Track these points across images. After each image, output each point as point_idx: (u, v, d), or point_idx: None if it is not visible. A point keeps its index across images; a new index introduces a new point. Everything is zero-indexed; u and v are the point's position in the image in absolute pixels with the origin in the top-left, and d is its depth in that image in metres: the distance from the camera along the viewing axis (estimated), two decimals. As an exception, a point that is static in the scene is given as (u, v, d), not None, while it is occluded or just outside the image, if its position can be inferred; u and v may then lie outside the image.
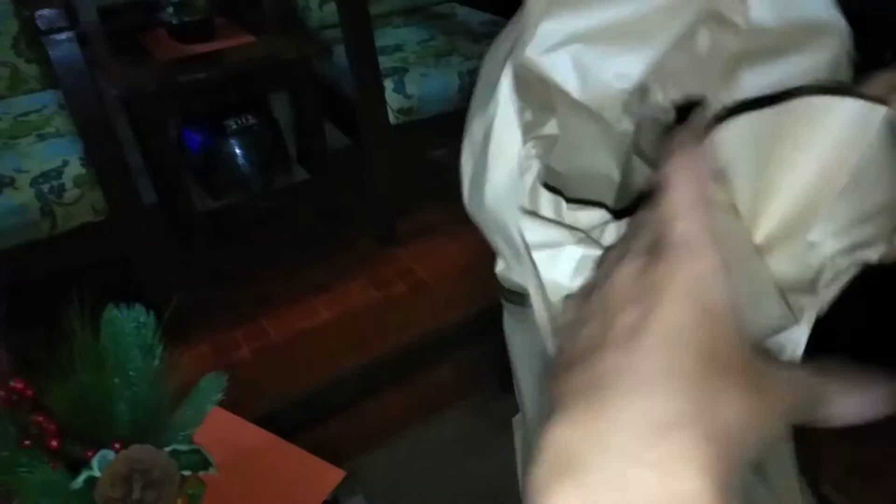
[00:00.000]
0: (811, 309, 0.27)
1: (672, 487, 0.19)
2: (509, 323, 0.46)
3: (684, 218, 0.24)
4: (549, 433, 0.22)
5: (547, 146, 0.32)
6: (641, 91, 0.31)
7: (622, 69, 0.30)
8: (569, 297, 0.29)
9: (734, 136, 0.26)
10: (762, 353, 0.23)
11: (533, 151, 0.32)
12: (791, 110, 0.25)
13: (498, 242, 0.35)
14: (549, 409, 0.23)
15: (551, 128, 0.33)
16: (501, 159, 0.32)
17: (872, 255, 0.27)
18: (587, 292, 0.27)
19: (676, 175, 0.25)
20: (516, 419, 0.59)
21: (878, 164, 0.25)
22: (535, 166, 0.31)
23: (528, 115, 0.33)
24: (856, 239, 0.26)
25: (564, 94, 0.31)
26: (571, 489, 0.20)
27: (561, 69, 0.30)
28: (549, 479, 0.21)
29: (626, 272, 0.24)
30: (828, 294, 0.27)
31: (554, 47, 0.30)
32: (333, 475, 0.81)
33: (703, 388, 0.21)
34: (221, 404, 0.86)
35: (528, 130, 0.32)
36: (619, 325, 0.23)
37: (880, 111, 0.24)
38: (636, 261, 0.25)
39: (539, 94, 0.31)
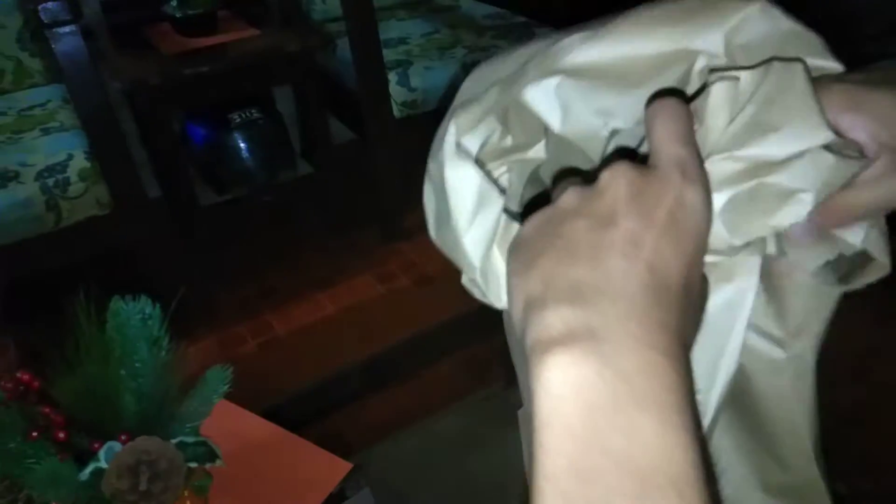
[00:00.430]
0: None
1: (666, 362, 0.24)
2: (507, 318, 0.46)
3: (674, 144, 0.28)
4: (560, 308, 0.25)
5: (527, 169, 0.34)
6: (615, 132, 0.31)
7: (603, 106, 0.30)
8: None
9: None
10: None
11: (504, 177, 0.34)
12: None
13: (464, 267, 0.36)
14: (547, 289, 0.26)
15: (537, 152, 0.33)
16: (459, 200, 0.34)
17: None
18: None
19: (660, 116, 0.29)
20: (521, 412, 0.59)
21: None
22: (495, 201, 0.32)
23: (509, 141, 0.34)
24: None
25: (547, 126, 0.31)
26: (590, 351, 0.24)
27: (543, 102, 0.31)
28: (565, 342, 0.24)
29: (627, 178, 0.27)
30: None
31: (539, 78, 0.31)
32: (340, 467, 0.81)
33: (684, 300, 0.26)
34: (227, 397, 0.86)
35: (508, 153, 0.34)
36: (623, 233, 0.26)
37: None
38: (637, 175, 0.27)
39: (526, 120, 0.32)
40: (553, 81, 0.30)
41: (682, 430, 0.23)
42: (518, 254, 0.29)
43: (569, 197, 0.29)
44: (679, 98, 0.29)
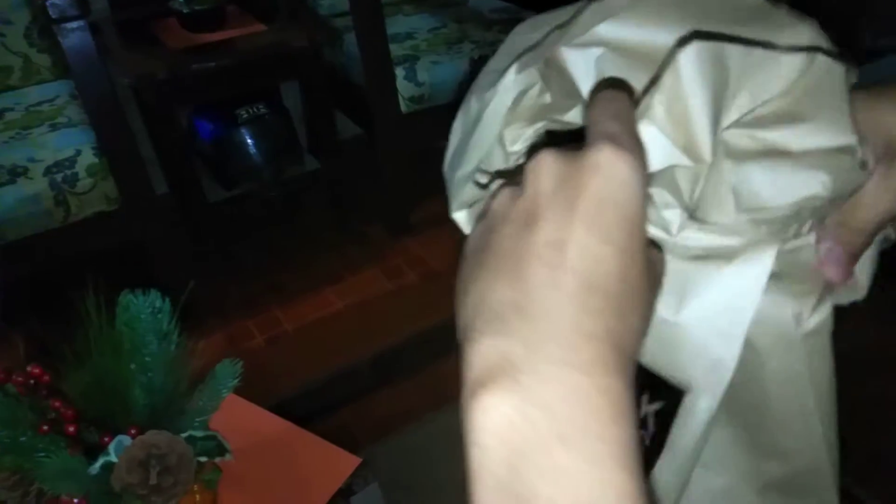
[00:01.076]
0: None
1: (595, 383, 0.22)
2: None
3: (607, 120, 0.26)
4: (483, 340, 0.23)
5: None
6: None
7: (640, 84, 0.30)
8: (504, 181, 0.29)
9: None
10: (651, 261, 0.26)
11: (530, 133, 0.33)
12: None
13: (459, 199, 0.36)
14: (476, 317, 0.24)
15: (573, 116, 0.33)
16: (480, 147, 0.33)
17: None
18: (516, 184, 0.27)
19: (596, 100, 0.27)
20: None
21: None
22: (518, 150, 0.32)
23: (548, 98, 0.33)
24: None
25: (578, 92, 0.31)
26: (510, 388, 0.22)
27: (581, 68, 0.30)
28: (485, 382, 0.22)
29: (550, 170, 0.25)
30: None
31: (583, 45, 0.30)
32: (349, 462, 0.81)
33: (619, 301, 0.23)
34: (236, 391, 0.86)
35: (546, 112, 0.33)
36: (542, 233, 0.24)
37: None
38: (560, 161, 0.25)
39: (566, 83, 0.31)
40: (596, 52, 0.30)
41: (611, 461, 0.21)
42: (459, 276, 0.27)
43: (500, 200, 0.27)
44: (619, 86, 0.28)
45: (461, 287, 0.26)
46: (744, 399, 0.32)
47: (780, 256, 0.30)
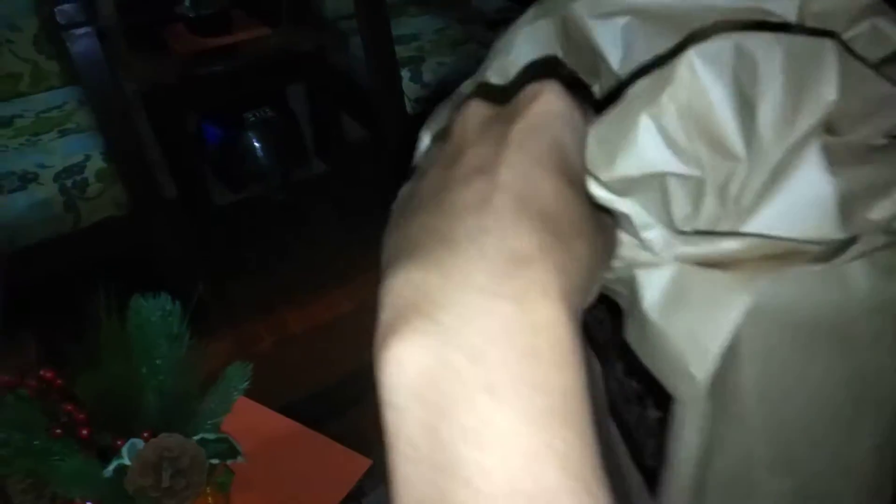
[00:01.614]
0: None
1: (530, 317, 0.18)
2: None
3: (540, 83, 0.23)
4: (397, 274, 0.20)
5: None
6: None
7: (664, 54, 0.28)
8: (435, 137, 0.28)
9: None
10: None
11: None
12: None
13: None
14: (395, 253, 0.21)
15: (594, 93, 0.32)
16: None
17: None
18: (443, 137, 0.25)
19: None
20: None
21: None
22: None
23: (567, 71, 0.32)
24: None
25: (606, 64, 0.30)
26: (424, 329, 0.18)
27: (608, 38, 0.29)
28: (396, 322, 0.19)
29: (477, 112, 0.23)
30: None
31: (608, 15, 0.29)
32: (360, 463, 0.81)
33: (557, 222, 0.20)
34: (246, 394, 0.86)
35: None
36: (469, 161, 0.21)
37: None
38: (489, 103, 0.24)
39: (586, 58, 0.31)
40: (622, 21, 0.29)
41: (551, 417, 0.17)
42: (385, 233, 0.25)
43: (426, 154, 0.25)
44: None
45: (384, 238, 0.24)
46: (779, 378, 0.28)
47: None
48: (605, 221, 0.24)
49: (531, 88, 0.23)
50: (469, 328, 0.18)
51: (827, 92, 0.25)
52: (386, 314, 0.19)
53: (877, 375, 0.29)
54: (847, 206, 0.25)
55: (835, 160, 0.25)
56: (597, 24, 0.30)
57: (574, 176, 0.22)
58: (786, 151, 0.26)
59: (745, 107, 0.25)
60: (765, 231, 0.26)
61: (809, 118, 0.25)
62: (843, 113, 0.25)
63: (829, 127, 0.26)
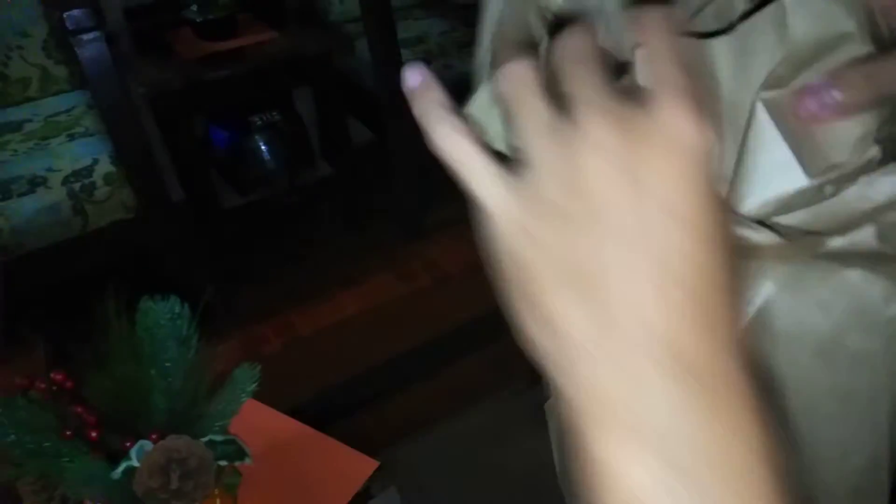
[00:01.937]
0: None
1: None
2: None
3: (672, 68, 0.21)
4: (579, 370, 0.20)
5: None
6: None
7: None
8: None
9: None
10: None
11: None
12: None
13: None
14: (558, 341, 0.21)
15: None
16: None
17: None
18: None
19: (656, 34, 0.22)
20: (548, 405, 0.59)
21: None
22: None
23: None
24: None
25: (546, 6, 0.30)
26: (637, 441, 0.19)
27: None
28: (603, 420, 0.20)
29: (608, 147, 0.20)
30: None
31: None
32: (366, 465, 0.81)
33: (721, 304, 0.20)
34: (254, 396, 0.87)
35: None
36: (615, 229, 0.20)
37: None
38: (617, 129, 0.20)
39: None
40: None
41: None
42: (509, 270, 0.23)
43: (541, 171, 0.21)
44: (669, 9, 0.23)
45: (520, 292, 0.22)
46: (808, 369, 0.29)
47: (883, 233, 0.27)
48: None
49: (667, 117, 0.20)
50: (681, 450, 0.19)
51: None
52: (581, 400, 0.20)
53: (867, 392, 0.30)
54: (805, 154, 0.26)
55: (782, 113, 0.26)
56: None
57: (720, 230, 0.21)
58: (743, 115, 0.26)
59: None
60: (759, 210, 0.26)
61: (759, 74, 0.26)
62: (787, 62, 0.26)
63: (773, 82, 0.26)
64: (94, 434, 0.62)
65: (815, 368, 0.29)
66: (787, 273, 0.27)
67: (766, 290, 0.27)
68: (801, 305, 0.28)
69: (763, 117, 0.26)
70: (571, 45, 0.23)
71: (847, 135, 0.26)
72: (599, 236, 0.20)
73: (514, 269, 0.23)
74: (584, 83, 0.22)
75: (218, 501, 0.68)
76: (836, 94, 0.25)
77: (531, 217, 0.22)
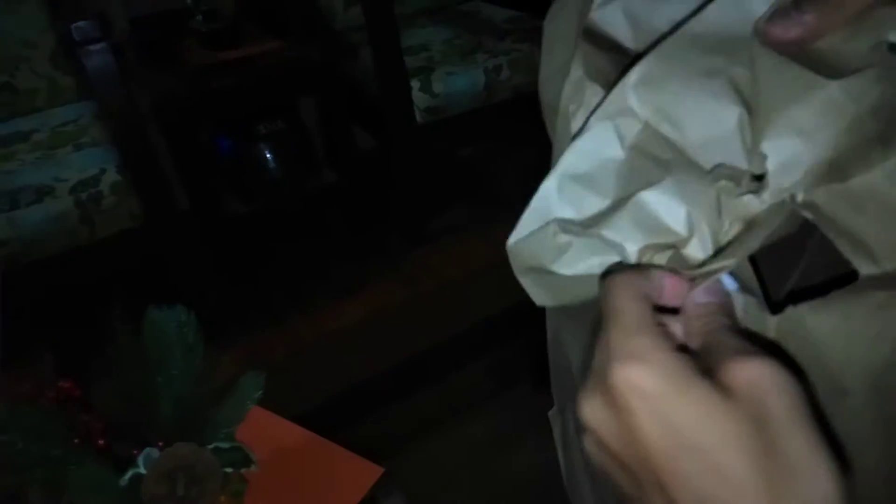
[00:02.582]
0: None
1: None
2: (549, 318, 0.45)
3: (737, 341, 0.23)
4: None
5: None
6: None
7: (673, 15, 0.29)
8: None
9: None
10: None
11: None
12: None
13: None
14: None
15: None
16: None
17: None
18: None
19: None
20: (552, 413, 0.59)
21: None
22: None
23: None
24: None
25: (622, 46, 0.30)
26: None
27: (613, 20, 0.30)
28: None
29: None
30: None
31: (606, 1, 0.30)
32: (371, 472, 0.82)
33: None
34: (260, 403, 0.87)
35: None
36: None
37: None
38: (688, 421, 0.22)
39: (610, 54, 0.31)
40: (619, 2, 0.30)
41: None
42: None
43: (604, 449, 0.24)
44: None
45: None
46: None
47: None
48: None
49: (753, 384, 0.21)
50: None
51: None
52: None
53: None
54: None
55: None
56: (599, 15, 0.30)
57: None
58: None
59: None
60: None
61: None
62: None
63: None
64: (101, 441, 0.63)
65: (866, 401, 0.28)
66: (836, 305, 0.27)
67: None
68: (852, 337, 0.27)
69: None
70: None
71: None
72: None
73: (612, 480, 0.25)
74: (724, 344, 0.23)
75: (224, 508, 0.69)
76: (806, 17, 0.25)
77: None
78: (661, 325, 0.24)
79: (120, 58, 1.44)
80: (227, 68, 1.67)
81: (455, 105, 1.75)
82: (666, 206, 0.27)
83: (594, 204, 0.30)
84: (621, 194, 0.29)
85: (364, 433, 1.32)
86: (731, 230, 0.28)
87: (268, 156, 1.74)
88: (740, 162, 0.28)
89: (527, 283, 0.33)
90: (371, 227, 1.95)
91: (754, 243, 0.26)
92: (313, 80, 1.77)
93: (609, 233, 0.29)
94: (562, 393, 0.48)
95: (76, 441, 0.63)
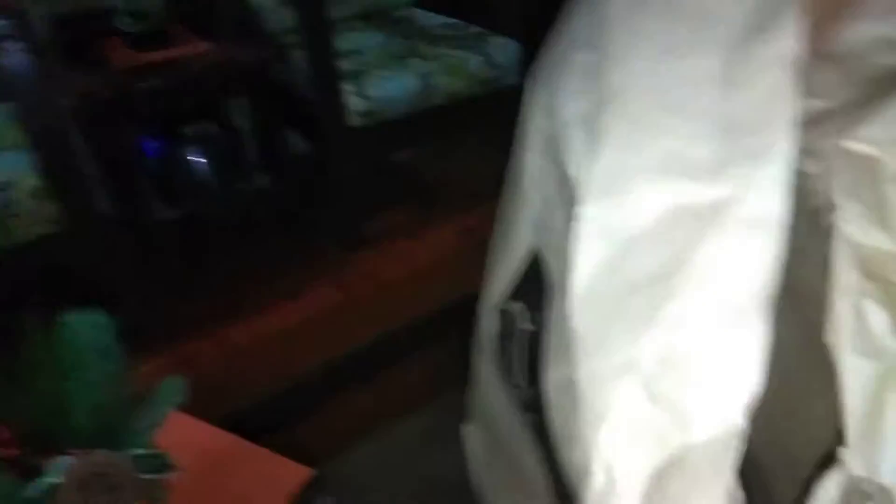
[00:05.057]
0: None
1: None
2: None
3: None
4: None
5: None
6: None
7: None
8: None
9: None
10: None
11: None
12: None
13: None
14: None
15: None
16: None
17: None
18: None
19: None
20: (465, 429, 0.60)
21: None
22: None
23: None
24: None
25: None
26: None
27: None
28: None
29: None
30: None
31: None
32: (300, 474, 0.82)
33: None
34: (187, 410, 0.86)
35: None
36: None
37: None
38: None
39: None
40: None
41: None
42: None
43: None
44: None
45: None
46: None
47: None
48: None
49: None
50: None
51: None
52: None
53: None
54: None
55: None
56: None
57: None
58: None
59: None
60: None
61: None
62: None
63: None
64: (10, 451, 0.61)
65: None
66: None
67: None
68: None
69: None
70: None
71: None
72: None
73: None
74: None
75: (144, 516, 0.67)
76: None
77: None
78: None
79: (40, 58, 1.39)
80: (154, 70, 1.63)
81: (390, 109, 1.75)
82: None
83: None
84: None
85: (297, 435, 1.31)
86: None
87: (196, 159, 1.70)
88: None
89: None
90: (306, 231, 1.94)
91: None
92: (243, 82, 1.74)
93: None
94: (477, 408, 0.50)
95: (-16, 452, 0.61)
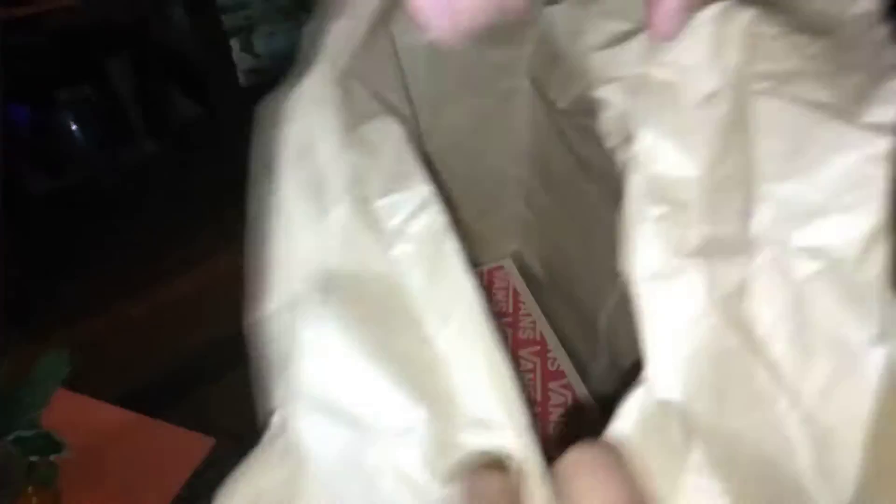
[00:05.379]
0: None
1: None
2: None
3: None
4: None
5: None
6: None
7: None
8: None
9: None
10: None
11: None
12: None
13: None
14: None
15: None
16: None
17: None
18: None
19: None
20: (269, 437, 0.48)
21: None
22: None
23: None
24: None
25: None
26: None
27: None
28: None
29: None
30: None
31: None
32: (202, 444, 0.80)
33: None
34: (80, 389, 0.82)
35: None
36: None
37: None
38: None
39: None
40: None
41: None
42: None
43: None
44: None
45: None
46: None
47: None
48: None
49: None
50: None
51: None
52: None
53: None
54: None
55: None
56: None
57: None
58: None
59: None
60: None
61: None
62: None
63: None
64: None
65: None
66: None
67: None
68: None
69: None
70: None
71: None
72: None
73: None
74: None
75: (34, 500, 0.64)
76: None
77: None
78: None
79: None
80: (16, 26, 1.50)
81: (279, 66, 1.69)
82: None
83: None
84: None
85: (197, 405, 1.28)
86: None
87: (72, 124, 1.59)
88: None
89: None
90: (201, 198, 1.86)
91: None
92: (120, 40, 1.63)
93: None
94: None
95: None
